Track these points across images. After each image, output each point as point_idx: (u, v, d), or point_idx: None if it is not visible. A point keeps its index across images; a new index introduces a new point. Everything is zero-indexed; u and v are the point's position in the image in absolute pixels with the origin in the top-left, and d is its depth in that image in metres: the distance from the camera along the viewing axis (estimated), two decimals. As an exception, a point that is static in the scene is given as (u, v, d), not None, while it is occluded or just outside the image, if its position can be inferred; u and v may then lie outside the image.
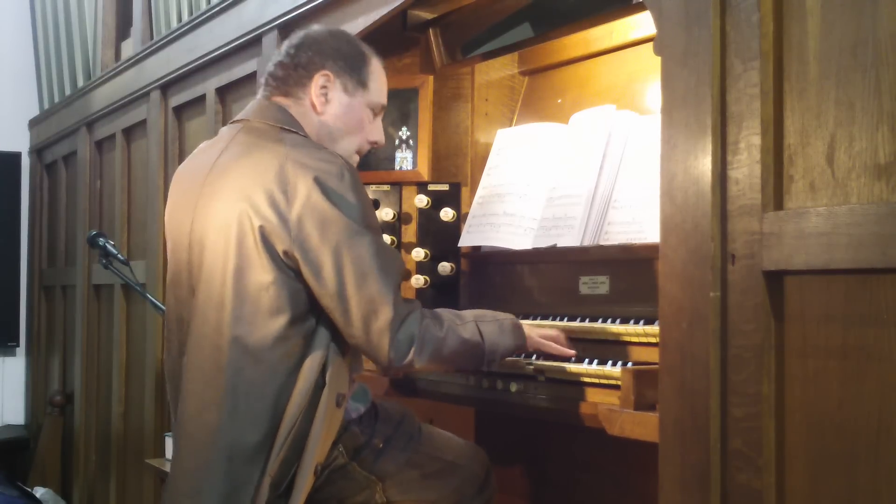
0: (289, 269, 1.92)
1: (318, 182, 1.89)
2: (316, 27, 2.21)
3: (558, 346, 2.18)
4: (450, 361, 2.03)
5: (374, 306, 1.89)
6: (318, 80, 2.09)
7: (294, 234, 1.89)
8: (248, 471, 1.93)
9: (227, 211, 1.96)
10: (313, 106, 2.10)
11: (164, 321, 2.21)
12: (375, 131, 2.19)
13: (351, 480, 2.11)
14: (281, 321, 1.92)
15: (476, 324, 2.05)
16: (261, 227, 1.90)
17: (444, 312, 2.04)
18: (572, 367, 2.16)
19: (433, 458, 2.20)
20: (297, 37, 2.16)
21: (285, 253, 1.91)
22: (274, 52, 2.21)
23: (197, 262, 2.02)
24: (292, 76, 2.11)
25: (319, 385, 1.95)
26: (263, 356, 1.92)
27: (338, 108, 2.11)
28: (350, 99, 2.12)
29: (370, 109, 2.16)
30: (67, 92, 5.18)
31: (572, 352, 2.19)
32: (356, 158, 2.19)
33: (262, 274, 1.91)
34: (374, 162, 2.88)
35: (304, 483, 1.95)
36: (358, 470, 2.11)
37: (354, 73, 2.12)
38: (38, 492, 4.64)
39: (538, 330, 2.19)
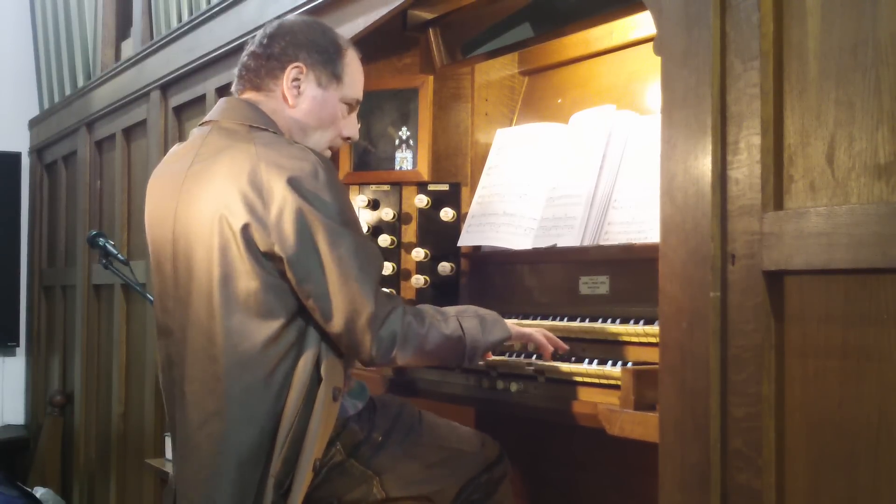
0: (273, 269, 1.90)
1: (293, 183, 1.86)
2: (291, 17, 2.14)
3: (544, 340, 2.17)
4: (432, 357, 2.03)
5: (355, 305, 1.88)
6: (291, 72, 2.05)
7: (274, 237, 1.87)
8: (254, 474, 1.93)
9: (206, 218, 1.93)
10: (285, 99, 2.05)
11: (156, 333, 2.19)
12: (349, 126, 2.14)
13: (348, 477, 2.10)
14: (272, 325, 1.91)
15: (458, 319, 2.04)
16: (241, 232, 1.88)
17: (426, 308, 2.03)
18: (572, 367, 2.16)
19: (436, 447, 2.19)
20: (271, 26, 2.11)
21: (266, 255, 1.89)
22: (249, 42, 2.14)
23: (182, 273, 1.99)
24: (264, 67, 2.06)
25: (316, 381, 1.94)
26: (258, 361, 1.91)
27: (310, 101, 2.06)
28: (323, 93, 2.07)
29: (345, 104, 2.11)
30: (67, 92, 5.18)
31: (562, 345, 2.18)
32: (328, 153, 2.14)
33: (248, 280, 1.90)
34: (374, 162, 2.88)
35: (303, 480, 1.95)
36: (355, 465, 2.10)
37: (329, 65, 2.07)
38: (38, 492, 4.63)
39: (522, 327, 2.19)
